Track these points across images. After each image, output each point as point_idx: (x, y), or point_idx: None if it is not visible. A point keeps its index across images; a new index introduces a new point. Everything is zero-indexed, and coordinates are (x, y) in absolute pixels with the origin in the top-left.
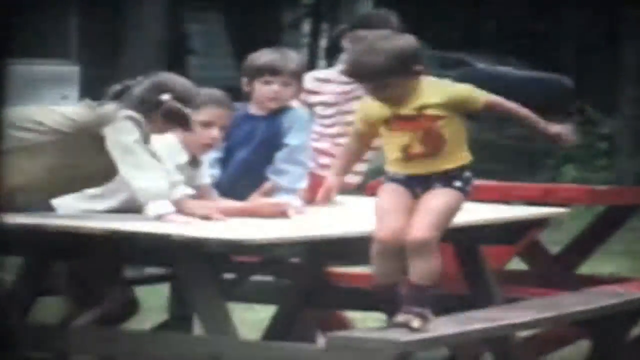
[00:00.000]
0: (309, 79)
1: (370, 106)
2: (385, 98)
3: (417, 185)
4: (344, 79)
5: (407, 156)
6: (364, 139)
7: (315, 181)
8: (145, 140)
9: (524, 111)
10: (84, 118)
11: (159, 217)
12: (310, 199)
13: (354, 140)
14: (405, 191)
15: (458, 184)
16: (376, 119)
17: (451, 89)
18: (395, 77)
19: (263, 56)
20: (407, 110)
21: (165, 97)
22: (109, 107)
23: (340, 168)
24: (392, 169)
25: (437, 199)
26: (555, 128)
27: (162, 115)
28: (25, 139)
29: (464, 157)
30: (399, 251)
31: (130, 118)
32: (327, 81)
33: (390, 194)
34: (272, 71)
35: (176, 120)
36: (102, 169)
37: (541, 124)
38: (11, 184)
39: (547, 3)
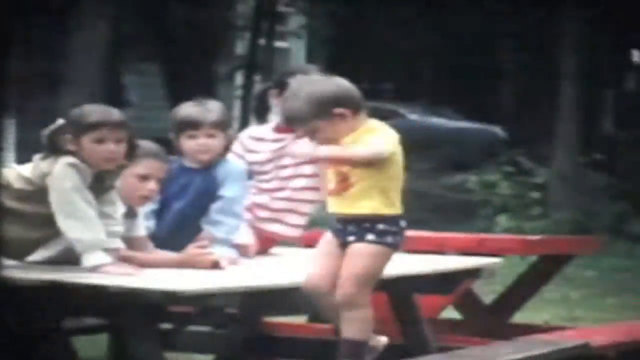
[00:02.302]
0: (245, 138)
1: None
2: (321, 140)
3: (340, 231)
4: (277, 135)
5: (328, 192)
6: None
7: (258, 234)
8: (98, 184)
9: None
10: (34, 174)
11: (95, 268)
12: (257, 250)
13: None
14: (333, 238)
15: (370, 237)
16: None
17: (367, 137)
18: (317, 120)
19: (183, 110)
20: None
21: (58, 122)
22: (51, 157)
23: None
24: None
25: (354, 258)
26: None
27: (48, 143)
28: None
29: (375, 207)
30: (330, 298)
31: (71, 165)
32: (261, 139)
33: (322, 241)
34: (193, 125)
35: (58, 147)
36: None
37: None
38: None
39: (484, 51)
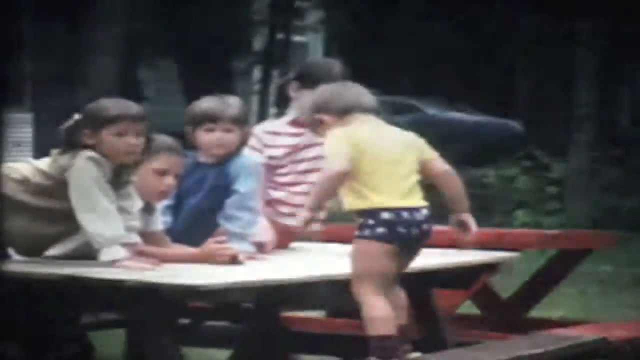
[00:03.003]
0: (261, 132)
1: None
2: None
3: None
4: (293, 129)
5: None
6: None
7: (278, 229)
8: (117, 178)
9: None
10: (53, 168)
11: (113, 263)
12: (277, 245)
13: None
14: None
15: (357, 232)
16: None
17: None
18: (314, 121)
19: (202, 104)
20: None
21: (75, 116)
22: (70, 152)
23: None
24: None
25: (350, 258)
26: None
27: (65, 138)
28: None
29: (350, 203)
30: None
31: (91, 159)
32: (277, 134)
33: None
34: (211, 119)
35: (78, 141)
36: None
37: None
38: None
39: (501, 48)
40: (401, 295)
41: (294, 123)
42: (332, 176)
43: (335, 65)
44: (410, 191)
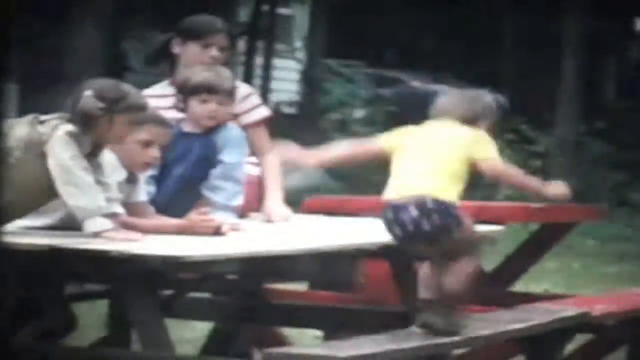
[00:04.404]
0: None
1: None
2: None
3: None
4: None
5: None
6: None
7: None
8: (93, 153)
9: None
10: (28, 136)
11: (97, 234)
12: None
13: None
14: None
15: None
16: None
17: None
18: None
19: (198, 74)
20: None
21: (87, 93)
22: (51, 122)
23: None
24: None
25: None
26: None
27: (79, 115)
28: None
29: None
30: None
31: (69, 133)
32: (163, 96)
33: None
34: (209, 90)
35: (93, 119)
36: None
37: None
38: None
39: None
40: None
41: (174, 83)
42: None
43: (215, 20)
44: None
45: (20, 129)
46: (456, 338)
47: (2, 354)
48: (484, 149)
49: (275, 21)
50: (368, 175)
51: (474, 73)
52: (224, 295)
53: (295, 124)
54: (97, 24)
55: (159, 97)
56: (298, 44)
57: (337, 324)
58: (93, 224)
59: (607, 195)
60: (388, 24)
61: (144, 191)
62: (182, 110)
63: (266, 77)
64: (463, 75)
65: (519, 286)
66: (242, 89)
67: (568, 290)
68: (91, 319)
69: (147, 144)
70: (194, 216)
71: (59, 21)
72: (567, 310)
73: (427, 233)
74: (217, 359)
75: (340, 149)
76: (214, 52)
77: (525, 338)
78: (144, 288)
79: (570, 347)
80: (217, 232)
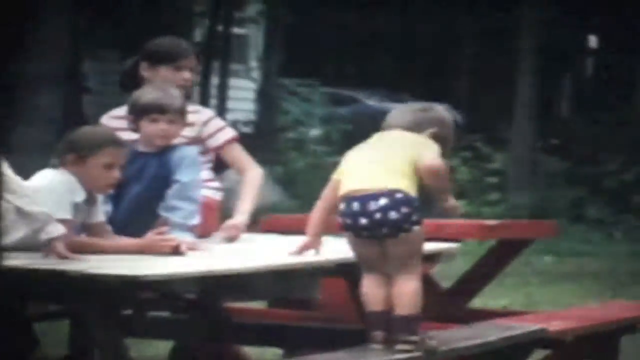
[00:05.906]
0: (106, 120)
1: None
2: None
3: None
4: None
5: None
6: None
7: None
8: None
9: None
10: None
11: (50, 241)
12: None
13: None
14: None
15: None
16: None
17: None
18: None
19: (148, 94)
20: None
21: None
22: None
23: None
24: None
25: None
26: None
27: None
28: None
29: None
30: None
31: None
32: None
33: None
34: (159, 110)
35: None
36: None
37: None
38: None
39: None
40: (396, 284)
41: None
42: None
43: (182, 42)
44: (375, 175)
45: None
46: (414, 354)
47: None
48: (425, 148)
49: (230, 41)
50: None
51: (429, 90)
52: (184, 314)
53: (252, 143)
54: (54, 46)
55: (121, 118)
56: (253, 63)
57: (296, 342)
58: (49, 231)
59: (564, 212)
60: (343, 42)
61: (102, 212)
62: (135, 130)
63: (222, 97)
64: (418, 92)
65: (477, 303)
66: (204, 113)
67: (526, 306)
68: (54, 339)
69: (109, 166)
70: (152, 236)
71: (18, 45)
72: (525, 326)
73: (394, 221)
74: None
75: (319, 211)
76: (186, 74)
77: (483, 354)
78: (104, 308)
79: None
80: (175, 251)
